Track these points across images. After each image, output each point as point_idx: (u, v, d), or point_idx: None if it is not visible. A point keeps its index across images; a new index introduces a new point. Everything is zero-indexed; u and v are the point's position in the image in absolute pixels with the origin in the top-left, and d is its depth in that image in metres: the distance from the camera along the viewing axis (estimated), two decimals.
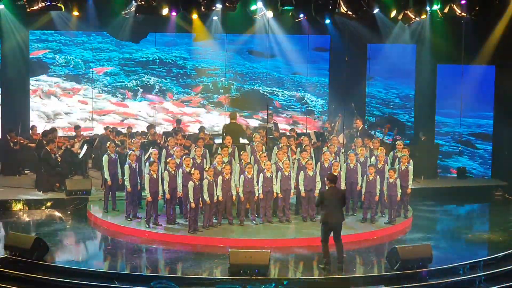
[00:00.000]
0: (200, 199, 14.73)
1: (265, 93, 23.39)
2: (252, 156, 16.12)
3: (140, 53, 22.49)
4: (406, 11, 18.50)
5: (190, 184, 14.58)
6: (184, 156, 15.48)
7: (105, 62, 22.20)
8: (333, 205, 12.86)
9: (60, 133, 20.34)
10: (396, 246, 13.05)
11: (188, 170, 14.86)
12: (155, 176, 15.04)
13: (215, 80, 23.04)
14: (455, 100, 20.78)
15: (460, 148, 21.32)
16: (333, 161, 15.97)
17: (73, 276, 12.44)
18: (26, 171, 19.85)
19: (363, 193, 15.95)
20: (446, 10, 18.43)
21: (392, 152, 17.16)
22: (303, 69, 23.17)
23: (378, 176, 15.80)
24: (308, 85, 23.51)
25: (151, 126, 19.69)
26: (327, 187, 13.33)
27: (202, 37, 22.26)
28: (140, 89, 22.54)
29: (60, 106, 21.82)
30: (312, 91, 23.57)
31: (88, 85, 21.96)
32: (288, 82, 23.50)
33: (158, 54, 22.67)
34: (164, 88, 22.76)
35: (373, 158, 16.56)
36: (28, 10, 16.73)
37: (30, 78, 21.51)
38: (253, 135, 17.49)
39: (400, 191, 15.77)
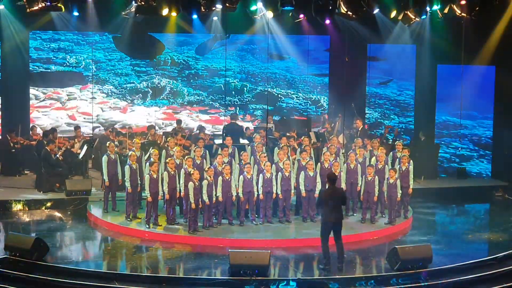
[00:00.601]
0: (200, 199, 14.73)
1: (279, 95, 23.16)
2: (252, 157, 16.12)
3: None
4: (406, 12, 18.49)
5: (190, 184, 14.58)
6: (186, 157, 15.47)
7: (116, 62, 22.03)
8: (332, 204, 12.86)
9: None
10: (396, 246, 13.05)
11: (190, 170, 14.83)
12: (155, 176, 15.04)
13: (228, 81, 22.78)
14: (455, 101, 20.75)
15: (460, 139, 21.28)
16: (333, 161, 15.97)
17: (73, 276, 12.43)
18: (26, 172, 19.84)
19: (361, 194, 15.94)
20: (446, 11, 18.42)
21: (392, 152, 17.17)
22: (317, 70, 23.03)
23: (376, 177, 15.81)
24: (321, 86, 23.24)
25: (151, 127, 19.68)
26: (327, 186, 13.33)
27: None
28: (150, 91, 22.36)
29: (62, 117, 21.61)
30: (326, 93, 23.33)
31: (97, 87, 21.80)
32: (301, 84, 23.22)
33: (170, 54, 22.47)
34: (175, 90, 22.51)
35: (373, 159, 16.57)
36: (28, 10, 16.70)
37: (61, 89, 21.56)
38: (253, 136, 17.48)
39: (400, 191, 15.77)
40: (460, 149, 21.56)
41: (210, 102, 22.79)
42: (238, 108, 22.86)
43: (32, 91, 21.45)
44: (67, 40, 21.59)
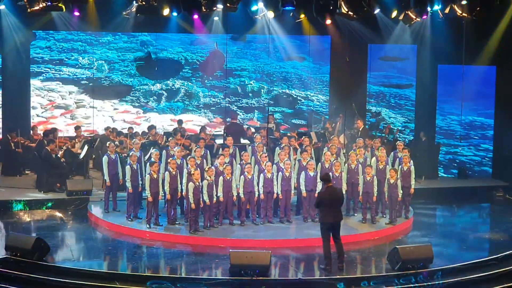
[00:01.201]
0: (201, 199, 14.73)
1: (298, 97, 22.70)
2: (253, 157, 16.12)
3: (165, 53, 22.02)
4: (407, 12, 18.50)
5: (190, 184, 14.57)
6: (189, 157, 15.46)
7: (130, 63, 21.69)
8: (331, 204, 12.85)
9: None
10: (397, 246, 13.05)
11: (192, 170, 14.81)
12: (155, 176, 15.03)
13: (244, 82, 22.34)
14: (482, 99, 20.67)
15: (460, 138, 21.20)
16: (334, 161, 15.98)
17: (74, 276, 12.44)
18: (27, 172, 19.83)
19: (360, 194, 15.94)
20: (447, 11, 18.43)
21: (393, 152, 17.17)
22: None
23: (375, 177, 15.81)
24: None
25: (152, 127, 19.67)
26: (324, 186, 13.33)
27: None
28: (165, 93, 22.09)
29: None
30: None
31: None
32: (319, 84, 22.67)
33: (183, 54, 22.15)
34: (190, 91, 22.08)
35: (373, 159, 16.56)
36: (29, 10, 16.71)
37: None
38: (254, 136, 17.49)
39: (401, 191, 15.77)
40: (461, 148, 21.52)
41: (226, 105, 22.27)
42: (256, 111, 22.48)
43: (37, 98, 21.29)
44: (80, 40, 21.34)
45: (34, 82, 21.19)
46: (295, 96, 22.68)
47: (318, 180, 15.56)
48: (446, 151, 21.58)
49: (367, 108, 22.41)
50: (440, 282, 12.53)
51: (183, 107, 22.29)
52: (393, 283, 12.44)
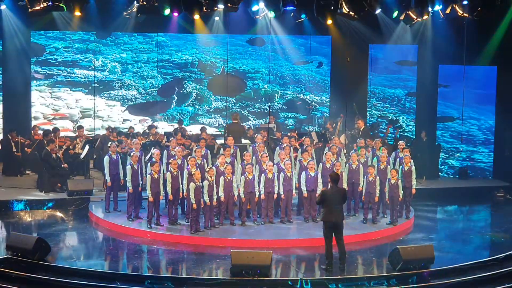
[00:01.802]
0: (201, 199, 14.72)
1: (312, 102, 22.36)
2: (254, 157, 16.11)
3: (180, 54, 21.85)
4: (408, 12, 18.51)
5: (191, 185, 14.57)
6: (190, 157, 15.46)
7: (143, 64, 21.57)
8: (334, 204, 12.83)
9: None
10: (398, 246, 13.03)
11: (193, 170, 14.80)
12: (156, 176, 15.02)
13: (258, 85, 21.99)
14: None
15: (461, 138, 21.18)
16: (335, 161, 15.97)
17: (75, 276, 12.43)
18: (27, 172, 19.84)
19: (363, 194, 15.94)
20: (448, 11, 18.45)
21: (394, 152, 17.17)
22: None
23: (377, 177, 15.81)
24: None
25: (152, 126, 19.67)
26: (329, 185, 13.32)
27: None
28: (176, 97, 21.88)
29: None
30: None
31: (121, 96, 21.40)
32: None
33: (197, 55, 21.88)
34: (201, 95, 21.82)
35: (375, 159, 16.56)
36: (30, 10, 16.73)
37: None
38: (255, 136, 17.49)
39: (402, 192, 15.77)
40: (462, 149, 21.51)
41: (238, 109, 21.94)
42: (268, 116, 22.32)
43: (41, 108, 21.21)
44: (95, 41, 21.22)
45: (40, 88, 21.11)
46: (309, 101, 22.35)
47: (319, 180, 15.57)
48: (464, 157, 21.53)
49: (383, 114, 22.17)
50: (442, 282, 12.56)
51: (194, 111, 22.12)
52: (363, 286, 12.45)
